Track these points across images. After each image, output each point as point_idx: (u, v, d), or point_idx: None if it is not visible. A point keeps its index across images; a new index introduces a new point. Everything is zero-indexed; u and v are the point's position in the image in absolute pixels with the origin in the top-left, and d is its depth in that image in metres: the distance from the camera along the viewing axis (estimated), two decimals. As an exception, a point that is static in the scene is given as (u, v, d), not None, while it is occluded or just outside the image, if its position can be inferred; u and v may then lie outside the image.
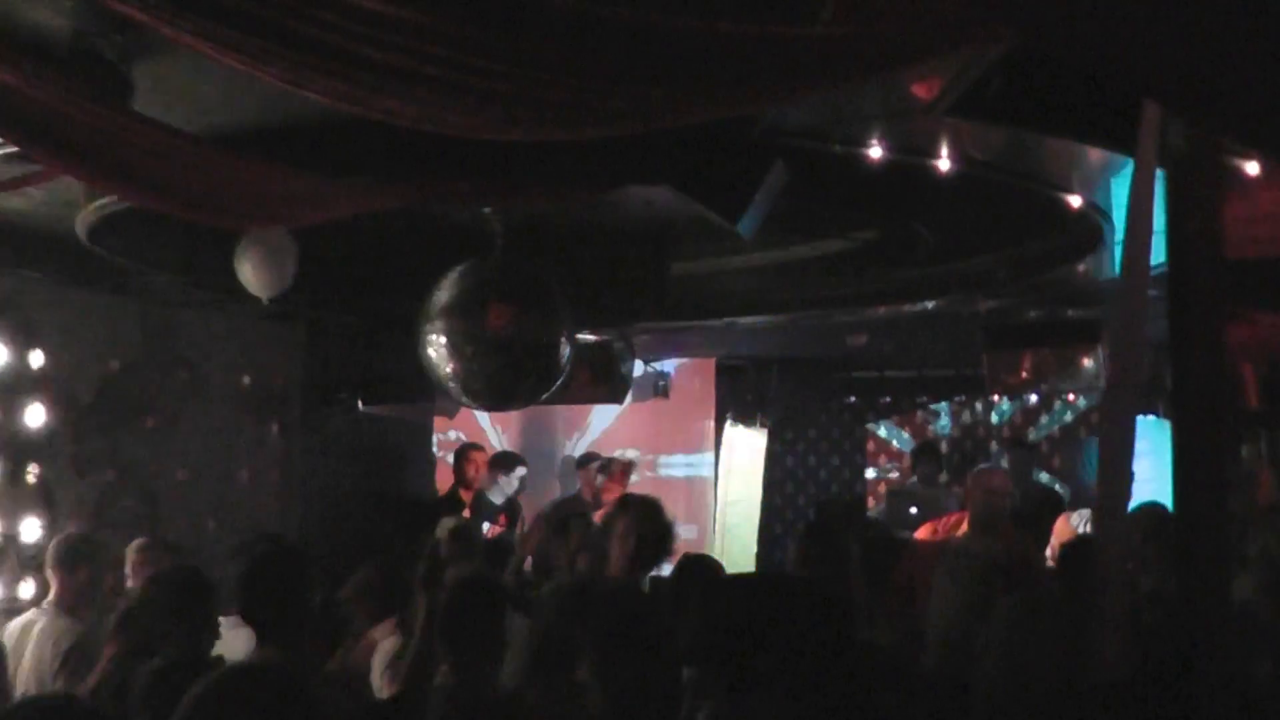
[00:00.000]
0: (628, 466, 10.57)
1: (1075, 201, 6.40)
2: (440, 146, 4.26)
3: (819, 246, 8.29)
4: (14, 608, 6.59)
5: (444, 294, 6.87)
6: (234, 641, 5.50)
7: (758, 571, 6.11)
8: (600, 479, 10.44)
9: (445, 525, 7.07)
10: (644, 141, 4.81)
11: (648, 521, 5.79)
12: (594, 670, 3.52)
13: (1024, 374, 9.89)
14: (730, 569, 12.16)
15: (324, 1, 2.85)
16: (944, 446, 14.00)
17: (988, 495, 7.23)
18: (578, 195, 5.93)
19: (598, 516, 8.18)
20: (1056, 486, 12.76)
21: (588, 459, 10.82)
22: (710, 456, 12.56)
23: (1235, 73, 2.91)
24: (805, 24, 3.32)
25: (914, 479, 12.47)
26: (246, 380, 8.98)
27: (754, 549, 12.75)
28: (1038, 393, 12.15)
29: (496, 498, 9.73)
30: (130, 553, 6.57)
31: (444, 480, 10.70)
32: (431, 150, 4.73)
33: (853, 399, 14.31)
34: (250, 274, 6.84)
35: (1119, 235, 6.83)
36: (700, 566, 6.08)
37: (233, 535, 8.55)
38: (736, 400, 12.97)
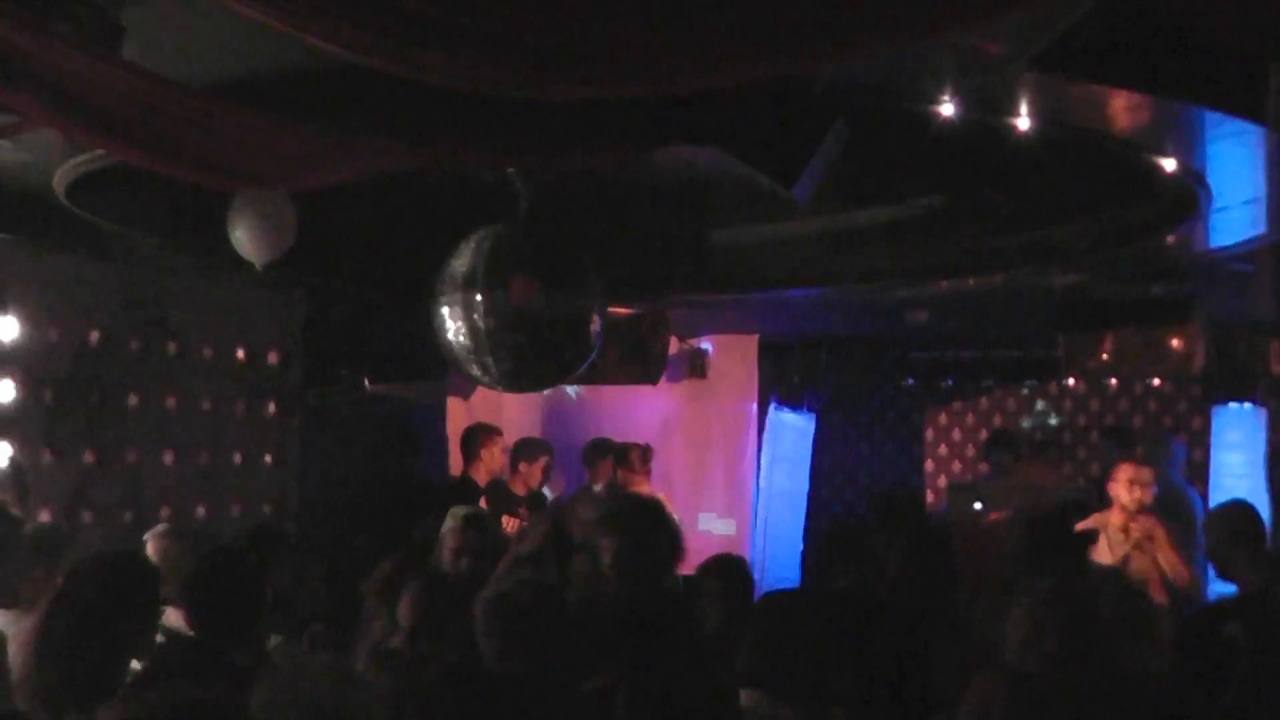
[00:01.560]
0: (646, 453, 10.57)
1: (1168, 166, 6.34)
2: (463, 101, 4.24)
3: (878, 213, 8.25)
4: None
5: (462, 262, 6.85)
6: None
7: (823, 587, 6.09)
8: (618, 471, 10.45)
9: (456, 513, 7.05)
10: (689, 97, 4.78)
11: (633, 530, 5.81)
12: None
13: (1104, 356, 9.84)
14: (774, 568, 12.32)
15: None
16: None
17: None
18: (615, 156, 5.90)
19: None
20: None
21: (599, 447, 10.80)
22: (751, 442, 12.54)
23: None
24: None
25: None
26: (240, 355, 8.98)
27: (799, 546, 12.75)
28: (1119, 378, 12.11)
29: (518, 488, 9.73)
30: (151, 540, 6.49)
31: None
32: (453, 106, 4.71)
33: (910, 381, 14.28)
34: (245, 238, 6.83)
35: (1216, 203, 6.81)
36: (724, 569, 6.16)
37: (224, 525, 8.59)
38: (782, 382, 12.94)
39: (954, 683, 4.33)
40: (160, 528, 6.69)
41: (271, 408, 9.23)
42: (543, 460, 9.95)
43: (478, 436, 9.75)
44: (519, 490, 9.74)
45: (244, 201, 6.73)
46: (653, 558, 5.54)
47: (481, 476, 9.58)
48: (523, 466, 9.74)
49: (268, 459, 9.22)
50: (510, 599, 4.58)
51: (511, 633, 4.51)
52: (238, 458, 8.98)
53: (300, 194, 6.68)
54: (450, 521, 6.94)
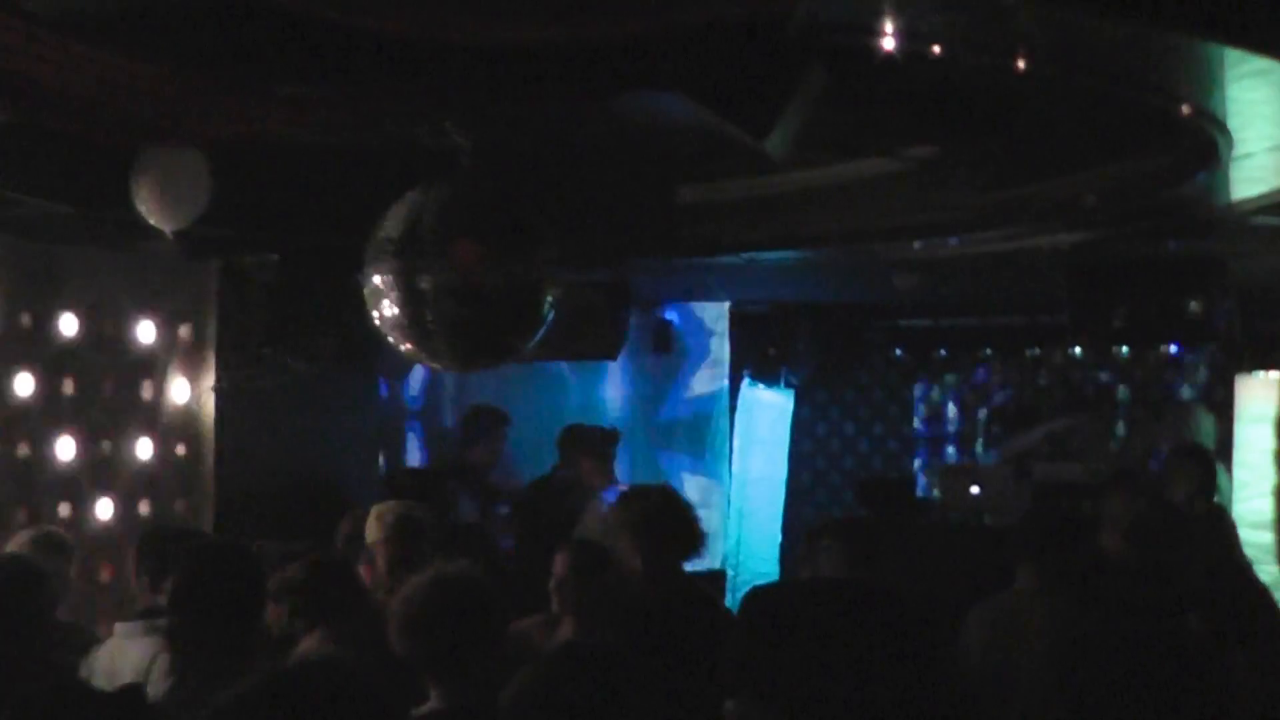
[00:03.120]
0: (608, 436, 10.62)
1: (1184, 109, 6.38)
2: (397, 44, 4.24)
3: (862, 167, 8.26)
4: None
5: (396, 226, 6.84)
6: (129, 651, 5.55)
7: (817, 578, 6.19)
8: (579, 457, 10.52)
9: (382, 512, 7.07)
10: (650, 38, 4.79)
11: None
12: None
13: (1116, 322, 9.90)
14: (750, 562, 12.38)
15: None
16: (1014, 410, 14.10)
17: None
18: (569, 105, 5.91)
19: None
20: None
21: (573, 431, 10.86)
22: (722, 423, 12.57)
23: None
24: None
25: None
26: (150, 333, 8.95)
27: (778, 538, 12.80)
28: (1133, 345, 12.18)
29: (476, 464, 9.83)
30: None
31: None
32: (386, 49, 4.71)
33: (899, 352, 14.34)
34: (151, 201, 6.81)
35: (1238, 150, 6.85)
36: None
37: (134, 524, 8.57)
38: (756, 355, 12.97)
39: (956, 690, 4.38)
40: (25, 535, 6.71)
41: (184, 392, 9.19)
42: (502, 431, 10.02)
43: (482, 421, 9.84)
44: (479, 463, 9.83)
45: (150, 160, 6.71)
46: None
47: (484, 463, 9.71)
48: (483, 441, 9.81)
49: (180, 449, 9.19)
50: None
51: None
52: (149, 447, 8.94)
53: (214, 151, 6.66)
54: (376, 527, 6.96)
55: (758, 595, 4.04)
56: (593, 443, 10.50)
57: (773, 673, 2.99)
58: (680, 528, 6.27)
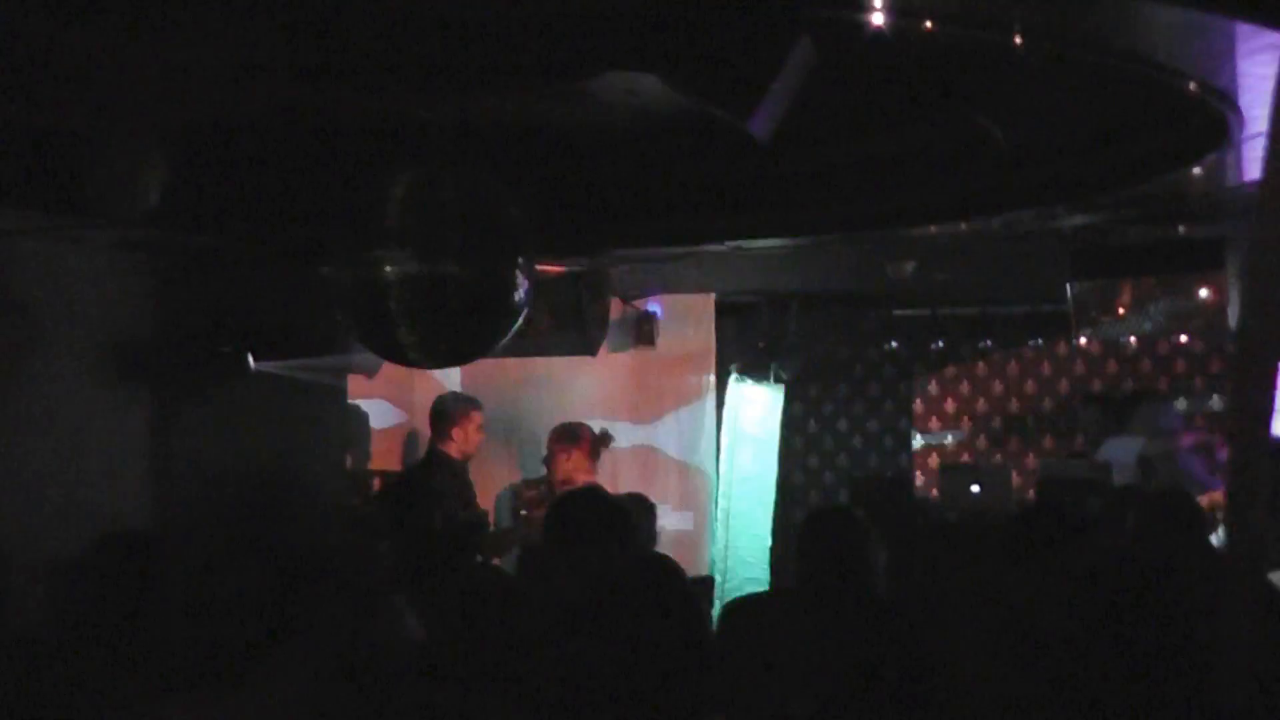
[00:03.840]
0: (600, 439, 10.60)
1: (1192, 86, 6.37)
2: (365, 22, 4.21)
3: (854, 149, 8.24)
4: None
5: (361, 215, 6.82)
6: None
7: (795, 590, 6.16)
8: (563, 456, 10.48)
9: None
10: (626, 13, 4.76)
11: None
12: None
13: (1122, 310, 9.90)
14: (738, 567, 12.34)
15: None
16: (1015, 404, 14.11)
17: None
18: (539, 86, 5.88)
19: None
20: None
21: (561, 427, 10.84)
22: (709, 421, 12.55)
23: None
24: None
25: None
26: (100, 329, 8.92)
27: (768, 542, 12.78)
28: (1139, 335, 12.17)
29: (454, 453, 9.79)
30: None
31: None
32: (344, 26, 4.68)
33: (895, 344, 14.32)
34: (102, 189, 6.77)
35: (1249, 130, 6.84)
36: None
37: (85, 532, 8.52)
38: (744, 348, 12.95)
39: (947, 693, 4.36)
40: None
41: (140, 392, 9.17)
42: (476, 418, 9.97)
43: (451, 409, 9.79)
44: (454, 455, 9.80)
45: (101, 145, 6.68)
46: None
47: (455, 456, 9.68)
48: (455, 432, 9.77)
49: (137, 453, 9.17)
50: None
51: None
52: (101, 452, 8.91)
53: (168, 135, 6.63)
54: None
55: (736, 610, 4.01)
56: (577, 439, 10.47)
57: (753, 689, 2.97)
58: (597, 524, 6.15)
